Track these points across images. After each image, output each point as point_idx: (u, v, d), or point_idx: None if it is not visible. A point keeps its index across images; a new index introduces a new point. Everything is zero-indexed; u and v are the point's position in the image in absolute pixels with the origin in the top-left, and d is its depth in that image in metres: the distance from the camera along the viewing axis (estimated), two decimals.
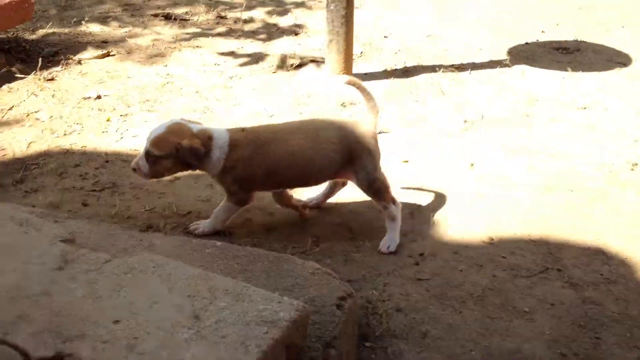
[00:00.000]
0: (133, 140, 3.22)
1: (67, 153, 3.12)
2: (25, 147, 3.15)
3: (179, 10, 4.86)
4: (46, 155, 3.10)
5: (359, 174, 2.49)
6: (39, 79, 3.77)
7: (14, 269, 1.86)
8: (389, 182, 2.53)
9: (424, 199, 2.82)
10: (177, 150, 2.38)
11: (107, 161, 3.05)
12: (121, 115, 3.45)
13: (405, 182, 2.91)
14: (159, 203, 2.78)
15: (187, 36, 4.46)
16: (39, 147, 3.16)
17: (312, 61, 4.14)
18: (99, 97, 3.61)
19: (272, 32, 4.63)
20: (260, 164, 2.44)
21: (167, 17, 4.72)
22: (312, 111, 3.56)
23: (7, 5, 3.79)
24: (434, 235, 2.60)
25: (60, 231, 2.09)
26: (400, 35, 4.60)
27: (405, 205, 2.68)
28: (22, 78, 3.77)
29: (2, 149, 3.12)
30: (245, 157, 2.44)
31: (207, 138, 2.44)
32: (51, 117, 3.41)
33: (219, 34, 4.53)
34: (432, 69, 4.09)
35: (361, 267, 2.41)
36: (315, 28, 4.69)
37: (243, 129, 2.51)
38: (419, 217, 2.71)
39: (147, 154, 2.41)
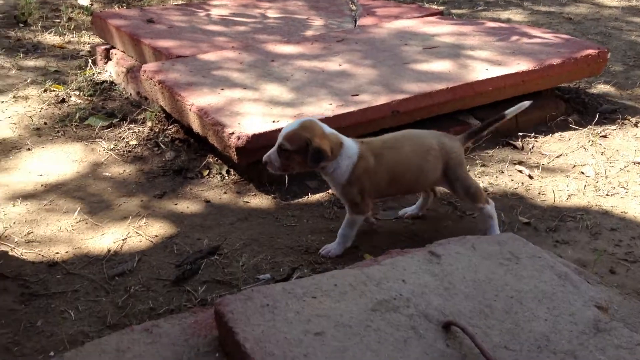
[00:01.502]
0: None
1: (605, 214, 3.00)
2: (565, 198, 3.14)
3: None
4: (584, 211, 3.03)
5: (456, 184, 2.70)
6: (592, 134, 3.73)
7: (546, 319, 1.83)
8: (480, 186, 2.80)
9: None
10: (307, 145, 2.48)
11: None
12: None
13: None
14: None
15: None
16: (578, 201, 3.11)
17: None
18: None
19: None
20: (381, 172, 2.60)
21: None
22: None
23: (583, 59, 3.85)
24: None
25: (595, 295, 1.99)
26: None
27: None
28: (575, 129, 3.79)
29: (542, 194, 3.17)
30: (370, 167, 2.57)
31: (338, 144, 2.56)
32: (597, 174, 3.33)
33: None
34: None
35: None
36: None
37: (361, 141, 2.63)
38: None
39: (280, 147, 2.55)
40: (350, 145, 2.60)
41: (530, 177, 3.32)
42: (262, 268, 2.63)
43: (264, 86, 3.55)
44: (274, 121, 3.15)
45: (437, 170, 2.69)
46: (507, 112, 2.84)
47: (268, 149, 2.78)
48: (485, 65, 3.75)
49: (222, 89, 3.50)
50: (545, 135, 3.75)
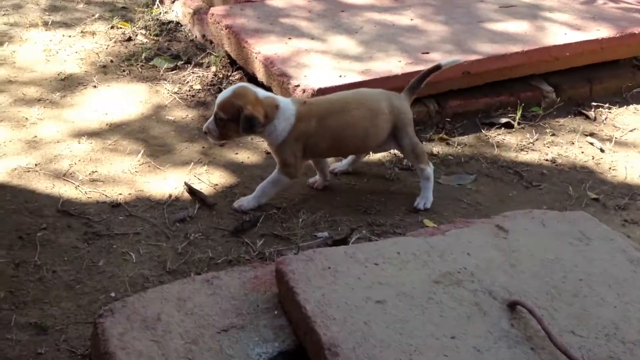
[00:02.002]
0: None
1: None
2: (637, 175, 3.02)
3: None
4: None
5: (404, 141, 2.68)
6: None
7: (615, 306, 1.77)
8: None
9: None
10: (240, 113, 2.47)
11: None
12: None
13: None
14: None
15: None
16: None
17: None
18: None
19: None
20: (324, 136, 2.59)
21: None
22: None
23: None
24: None
25: None
26: None
27: None
28: None
29: (613, 169, 3.06)
30: (310, 130, 2.56)
31: (273, 107, 2.55)
32: None
33: None
34: None
35: None
36: None
37: (305, 102, 2.63)
38: None
39: (215, 116, 2.55)
40: (288, 107, 2.58)
41: (602, 150, 3.19)
42: (320, 225, 2.62)
43: (332, 38, 3.48)
44: (340, 76, 3.09)
45: (385, 132, 2.66)
46: (443, 62, 2.78)
47: None
48: (563, 29, 3.58)
49: (290, 38, 3.44)
50: (619, 107, 3.59)
